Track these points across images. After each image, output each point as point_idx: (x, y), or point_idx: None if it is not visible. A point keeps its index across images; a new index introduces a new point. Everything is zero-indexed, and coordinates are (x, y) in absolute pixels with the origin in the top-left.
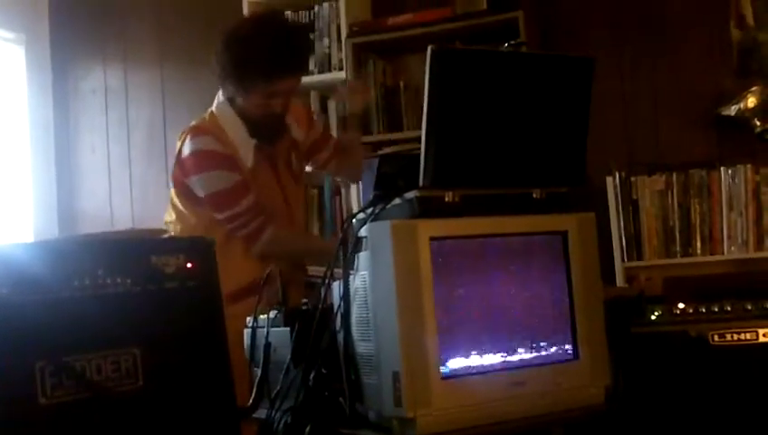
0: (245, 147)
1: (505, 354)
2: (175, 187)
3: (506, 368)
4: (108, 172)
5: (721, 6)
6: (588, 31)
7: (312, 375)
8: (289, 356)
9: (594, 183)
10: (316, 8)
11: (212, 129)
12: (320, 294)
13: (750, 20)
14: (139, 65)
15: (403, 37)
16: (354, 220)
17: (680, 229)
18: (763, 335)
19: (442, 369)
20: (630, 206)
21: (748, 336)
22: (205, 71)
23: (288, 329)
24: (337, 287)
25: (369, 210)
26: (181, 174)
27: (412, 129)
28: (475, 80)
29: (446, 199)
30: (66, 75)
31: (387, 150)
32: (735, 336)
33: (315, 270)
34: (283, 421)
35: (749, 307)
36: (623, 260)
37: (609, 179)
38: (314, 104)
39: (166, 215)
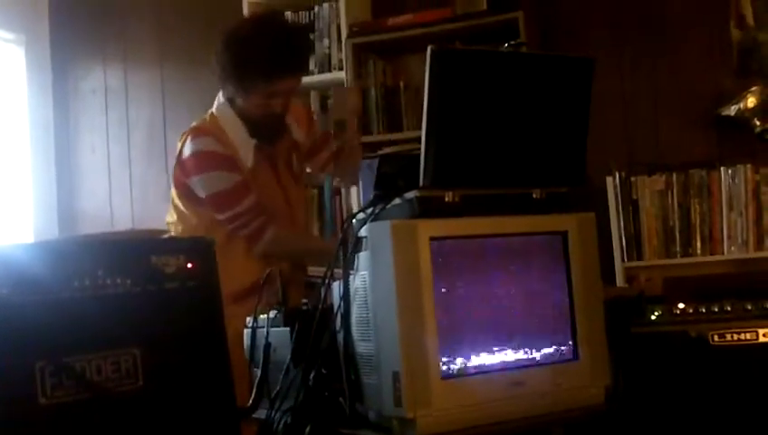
0: (246, 147)
1: (505, 354)
2: (176, 188)
3: (506, 368)
4: (108, 172)
5: (721, 6)
6: (588, 31)
7: (311, 375)
8: (289, 356)
9: (594, 183)
10: (316, 8)
11: (212, 129)
12: (320, 294)
13: (750, 20)
14: (139, 65)
15: (403, 37)
16: (354, 220)
17: (680, 229)
18: (763, 335)
19: (442, 369)
20: (630, 206)
21: (748, 336)
22: (205, 71)
23: (288, 329)
24: (337, 287)
25: (369, 210)
26: (182, 175)
27: (412, 129)
28: (475, 80)
29: (446, 199)
30: (66, 75)
31: (387, 150)
32: (735, 336)
33: (315, 270)
34: (282, 422)
35: (749, 307)
36: (623, 260)
37: (609, 179)
38: (314, 104)
39: (167, 216)
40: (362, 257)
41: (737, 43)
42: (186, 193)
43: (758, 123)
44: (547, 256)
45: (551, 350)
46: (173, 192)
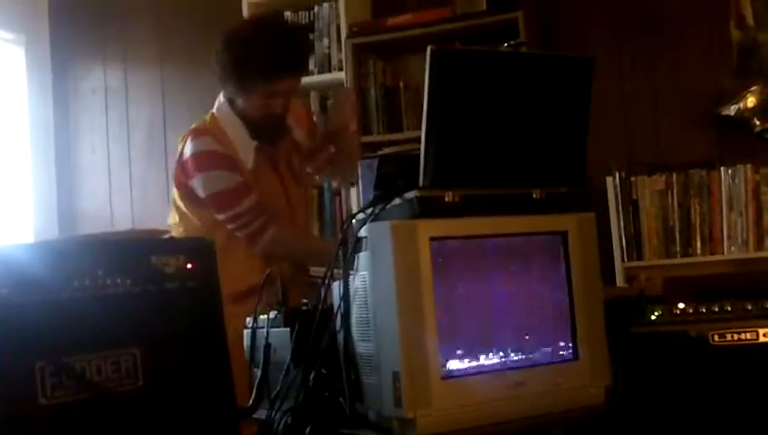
0: (246, 148)
1: (505, 354)
2: (177, 189)
3: (506, 368)
4: (108, 172)
5: (721, 6)
6: (587, 30)
7: (312, 375)
8: (289, 357)
9: (594, 183)
10: (316, 9)
11: (213, 130)
12: (320, 294)
13: (750, 20)
14: (139, 65)
15: (403, 37)
16: (354, 220)
17: (680, 229)
18: (763, 335)
19: (442, 369)
20: (630, 206)
21: (748, 336)
22: (205, 71)
23: (288, 329)
24: (337, 287)
25: (369, 210)
26: (183, 176)
27: (412, 129)
28: (475, 80)
29: (446, 199)
30: (66, 75)
31: (387, 150)
32: (735, 336)
33: (318, 270)
34: (283, 422)
35: (749, 307)
36: (623, 260)
37: (609, 179)
38: (314, 104)
39: (169, 217)
40: (362, 258)
41: (737, 43)
42: (187, 194)
43: (758, 123)
44: (547, 256)
45: (551, 350)
46: (175, 194)
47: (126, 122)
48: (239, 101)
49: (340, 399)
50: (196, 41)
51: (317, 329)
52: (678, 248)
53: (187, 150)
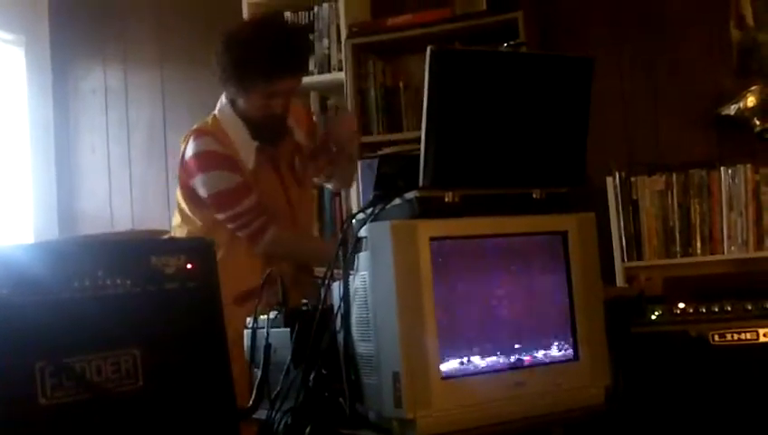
0: (247, 148)
1: (505, 355)
2: (180, 190)
3: (506, 368)
4: (108, 172)
5: (721, 6)
6: (587, 30)
7: (312, 376)
8: (289, 357)
9: (594, 183)
10: (316, 9)
11: (214, 131)
12: (320, 294)
13: (750, 20)
14: (139, 66)
15: (402, 38)
16: (354, 220)
17: (680, 229)
18: (764, 335)
19: (442, 369)
20: (630, 206)
21: (748, 336)
22: (205, 71)
23: (288, 330)
24: (337, 288)
25: (369, 210)
26: (186, 176)
27: (412, 129)
28: (475, 80)
29: (446, 199)
30: (66, 75)
31: (387, 151)
32: (735, 336)
33: (321, 271)
34: (283, 422)
35: (749, 307)
36: (623, 260)
37: (609, 179)
38: (314, 104)
39: (173, 219)
40: (362, 258)
41: (737, 43)
42: (189, 195)
43: (758, 123)
44: (547, 256)
45: (550, 350)
46: (178, 195)
47: (126, 123)
48: (240, 102)
49: (341, 399)
50: (197, 41)
51: (317, 329)
52: (678, 248)
53: (189, 151)
